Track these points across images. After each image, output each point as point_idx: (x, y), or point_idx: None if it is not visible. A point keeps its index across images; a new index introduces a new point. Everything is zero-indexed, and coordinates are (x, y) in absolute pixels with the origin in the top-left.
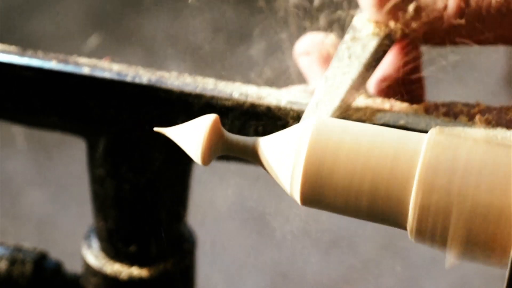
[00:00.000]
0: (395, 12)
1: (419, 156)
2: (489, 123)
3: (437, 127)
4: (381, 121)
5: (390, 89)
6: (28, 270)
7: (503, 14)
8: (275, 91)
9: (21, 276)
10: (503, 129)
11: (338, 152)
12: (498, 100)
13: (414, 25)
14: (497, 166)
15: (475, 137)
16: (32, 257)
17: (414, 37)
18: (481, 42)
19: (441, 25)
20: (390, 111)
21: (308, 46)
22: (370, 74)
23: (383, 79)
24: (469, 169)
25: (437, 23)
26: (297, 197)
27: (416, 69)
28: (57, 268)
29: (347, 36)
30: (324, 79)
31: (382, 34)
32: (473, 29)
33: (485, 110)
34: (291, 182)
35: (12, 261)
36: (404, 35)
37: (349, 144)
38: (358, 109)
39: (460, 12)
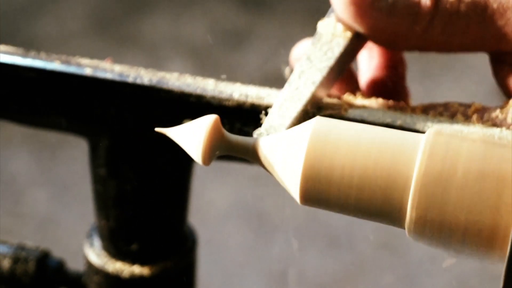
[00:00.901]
0: (368, 12)
1: (417, 155)
2: (485, 123)
3: (435, 127)
4: (382, 122)
5: (380, 90)
6: (31, 268)
7: (470, 17)
8: (275, 92)
9: (24, 274)
10: (500, 128)
11: (337, 151)
12: (494, 101)
13: (385, 25)
14: (496, 165)
15: (473, 137)
16: (35, 255)
17: (384, 39)
18: (449, 48)
19: (414, 25)
20: (379, 109)
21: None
22: (340, 74)
23: (373, 81)
24: (468, 168)
25: (409, 23)
26: (296, 196)
27: (400, 67)
28: (60, 266)
29: (314, 38)
30: (288, 82)
31: (350, 35)
32: (443, 33)
33: (481, 110)
34: (291, 181)
35: (15, 260)
36: (374, 37)
37: (348, 144)
38: (331, 106)
39: (434, 8)
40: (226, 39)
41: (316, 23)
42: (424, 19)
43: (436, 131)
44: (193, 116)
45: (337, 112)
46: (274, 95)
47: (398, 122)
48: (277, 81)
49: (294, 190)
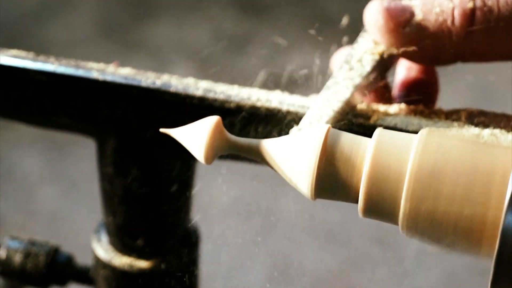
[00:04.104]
0: (401, 33)
1: (410, 155)
2: (477, 126)
3: (427, 128)
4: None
5: (411, 93)
6: (41, 263)
7: (510, 24)
8: (274, 94)
9: (34, 269)
10: (491, 129)
11: (343, 154)
12: (483, 104)
13: (418, 44)
14: (484, 164)
15: (463, 137)
16: (45, 250)
17: (420, 56)
18: (489, 57)
19: (448, 41)
20: (386, 114)
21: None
22: (370, 87)
23: (404, 85)
24: (458, 168)
25: (444, 39)
26: (308, 193)
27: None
28: (69, 260)
29: (348, 52)
30: (326, 87)
31: (382, 53)
32: (482, 42)
33: (474, 113)
34: (302, 180)
35: (26, 254)
36: (409, 56)
37: (351, 148)
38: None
39: (467, 24)
40: (227, 44)
41: (314, 29)
42: (459, 32)
43: (429, 132)
44: (196, 118)
45: (365, 121)
46: (273, 97)
47: (393, 123)
48: (276, 83)
49: (306, 187)
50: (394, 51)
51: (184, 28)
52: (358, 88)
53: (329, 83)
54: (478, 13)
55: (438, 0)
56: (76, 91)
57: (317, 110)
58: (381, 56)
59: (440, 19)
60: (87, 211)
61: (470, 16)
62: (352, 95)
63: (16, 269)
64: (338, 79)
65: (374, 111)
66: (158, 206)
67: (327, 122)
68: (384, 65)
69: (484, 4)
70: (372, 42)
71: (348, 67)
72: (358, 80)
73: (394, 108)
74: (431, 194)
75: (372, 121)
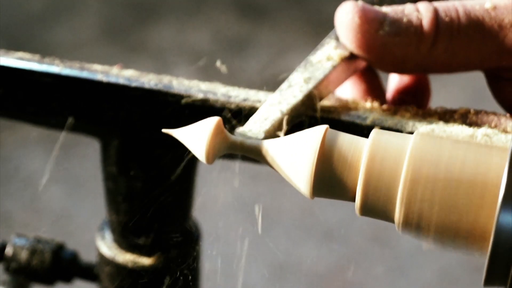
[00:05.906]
0: (373, 39)
1: (405, 155)
2: (470, 125)
3: (422, 128)
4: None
5: (404, 98)
6: (46, 260)
7: (469, 35)
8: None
9: (40, 265)
10: (484, 129)
11: (341, 155)
12: (476, 105)
13: (389, 50)
14: (476, 164)
15: (457, 138)
16: (50, 247)
17: (388, 64)
18: (452, 67)
19: (415, 50)
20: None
21: None
22: (326, 93)
23: (398, 90)
24: (451, 167)
25: (411, 48)
26: (306, 192)
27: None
28: (74, 257)
29: (307, 57)
30: (279, 90)
31: (340, 59)
32: (445, 52)
33: (467, 113)
34: (301, 179)
35: (32, 251)
36: (379, 62)
37: (348, 150)
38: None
39: (433, 34)
40: (228, 46)
41: (312, 32)
42: (426, 40)
43: (424, 132)
44: (198, 118)
45: (333, 115)
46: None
47: (389, 123)
48: (275, 85)
49: (304, 186)
50: (353, 56)
51: (186, 31)
52: (312, 92)
53: (283, 85)
54: (441, 23)
55: (407, 10)
56: (81, 93)
57: (265, 111)
58: (341, 60)
59: (411, 29)
60: (91, 209)
61: (436, 26)
62: (304, 98)
63: (22, 266)
64: (292, 82)
65: (371, 112)
66: (160, 204)
67: (273, 124)
68: (350, 68)
69: (446, 15)
70: (332, 48)
71: (305, 70)
72: (312, 84)
73: (389, 108)
74: (426, 194)
75: (369, 122)
